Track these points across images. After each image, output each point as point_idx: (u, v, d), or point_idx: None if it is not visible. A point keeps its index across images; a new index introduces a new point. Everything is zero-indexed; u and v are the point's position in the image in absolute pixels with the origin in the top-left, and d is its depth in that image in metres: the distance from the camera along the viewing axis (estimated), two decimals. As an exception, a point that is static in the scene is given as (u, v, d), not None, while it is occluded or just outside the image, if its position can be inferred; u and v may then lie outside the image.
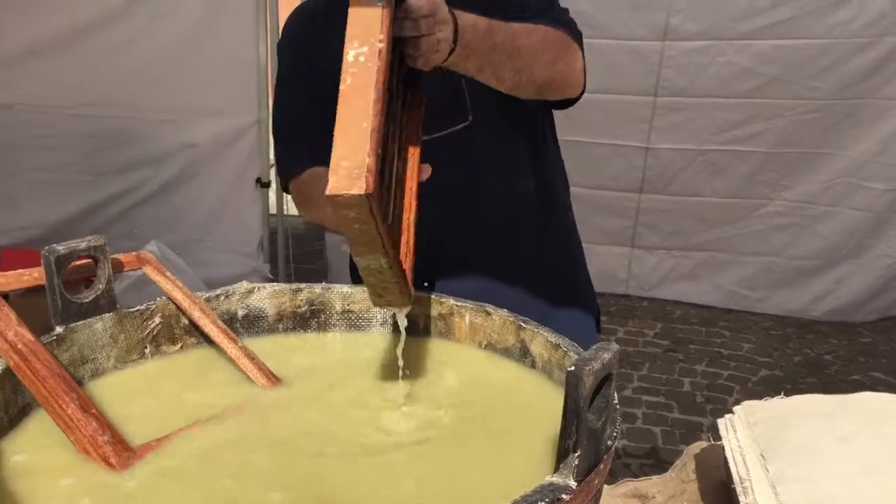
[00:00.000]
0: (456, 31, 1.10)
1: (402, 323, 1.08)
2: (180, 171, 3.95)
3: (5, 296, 1.01)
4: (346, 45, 0.89)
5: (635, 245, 4.56)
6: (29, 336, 0.95)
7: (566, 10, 1.51)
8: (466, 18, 1.14)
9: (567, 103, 1.52)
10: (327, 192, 0.80)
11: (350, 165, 0.81)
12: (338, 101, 0.85)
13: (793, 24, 3.87)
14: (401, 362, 1.06)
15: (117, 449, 0.85)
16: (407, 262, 1.06)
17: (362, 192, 0.80)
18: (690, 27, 3.90)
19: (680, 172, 4.32)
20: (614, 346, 0.79)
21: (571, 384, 0.75)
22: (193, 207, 3.93)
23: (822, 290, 4.44)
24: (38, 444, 0.89)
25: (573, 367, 0.75)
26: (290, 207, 4.06)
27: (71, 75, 3.72)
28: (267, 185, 4.12)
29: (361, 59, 0.88)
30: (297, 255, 4.22)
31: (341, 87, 0.86)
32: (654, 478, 1.28)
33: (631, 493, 1.25)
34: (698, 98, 4.08)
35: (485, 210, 1.62)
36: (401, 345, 1.06)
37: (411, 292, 1.04)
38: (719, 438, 1.11)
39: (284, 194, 4.19)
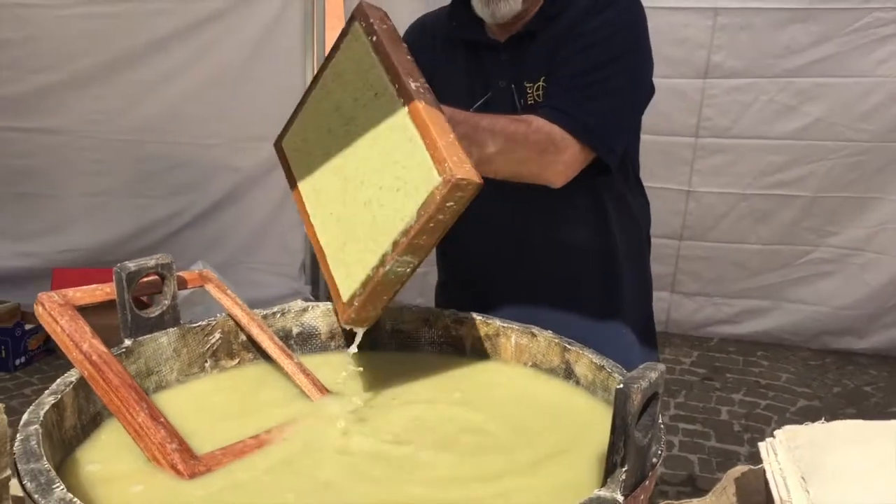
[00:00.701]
0: None
1: (358, 339, 1.15)
2: (225, 195, 4.06)
3: (81, 310, 1.07)
4: (405, 78, 1.02)
5: (675, 290, 4.46)
6: (102, 348, 1.01)
7: (591, 90, 1.49)
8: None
9: (600, 170, 1.53)
10: (452, 175, 0.94)
11: (459, 161, 0.97)
12: (422, 114, 1.01)
13: (837, 60, 3.76)
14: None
15: (184, 457, 0.90)
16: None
17: (480, 181, 0.97)
18: (733, 64, 3.82)
19: (722, 219, 4.22)
20: (661, 367, 0.83)
21: (620, 401, 0.78)
22: (237, 230, 4.03)
23: (865, 330, 4.32)
24: (110, 454, 0.95)
25: (622, 385, 0.78)
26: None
27: (121, 102, 3.87)
28: (309, 208, 4.18)
29: (421, 90, 1.02)
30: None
31: (420, 104, 1.01)
32: (695, 501, 1.30)
33: (672, 514, 1.27)
34: (741, 139, 3.99)
35: (533, 259, 1.67)
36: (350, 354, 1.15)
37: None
38: (758, 464, 1.13)
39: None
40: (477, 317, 1.24)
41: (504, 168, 1.38)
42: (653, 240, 1.85)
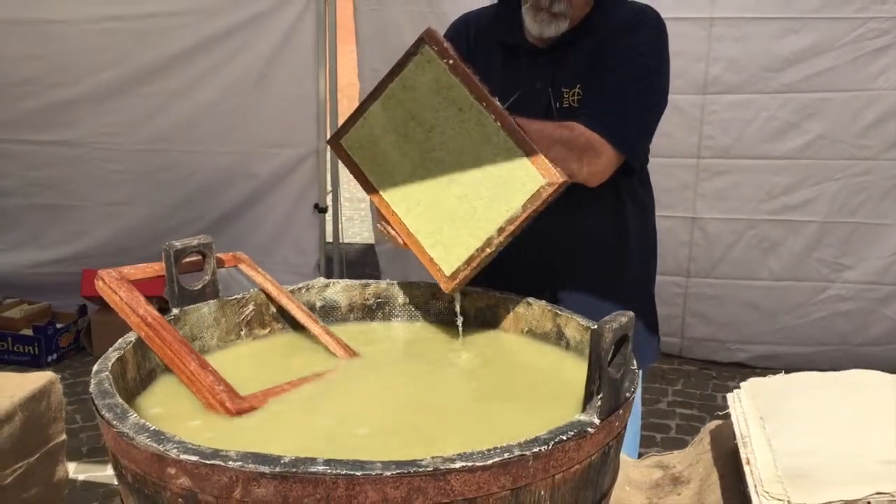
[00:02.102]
0: None
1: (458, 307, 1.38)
2: (242, 201, 4.23)
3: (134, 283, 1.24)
4: (492, 99, 1.35)
5: (685, 336, 4.17)
6: (155, 313, 1.17)
7: (629, 101, 1.65)
8: None
9: (626, 172, 1.69)
10: (558, 177, 1.27)
11: (556, 166, 1.30)
12: (516, 130, 1.32)
13: (834, 73, 3.60)
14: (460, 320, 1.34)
15: (231, 395, 1.06)
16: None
17: (569, 180, 1.31)
18: (731, 78, 3.65)
19: (730, 249, 3.96)
20: (630, 314, 0.98)
21: (595, 340, 0.94)
22: (255, 232, 4.19)
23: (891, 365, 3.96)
24: (167, 400, 1.11)
25: (596, 326, 0.94)
26: (345, 235, 4.32)
27: (140, 114, 4.04)
28: (324, 210, 4.37)
29: (506, 110, 1.36)
30: (350, 276, 4.45)
31: (512, 121, 1.33)
32: (675, 452, 1.46)
33: (655, 464, 1.42)
34: (743, 160, 3.78)
35: (555, 243, 1.79)
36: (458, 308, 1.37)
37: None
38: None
39: (339, 224, 4.43)
40: (478, 290, 1.41)
41: None
42: (658, 278, 1.94)
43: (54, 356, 3.92)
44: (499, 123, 1.33)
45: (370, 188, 1.43)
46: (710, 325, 4.06)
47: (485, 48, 1.78)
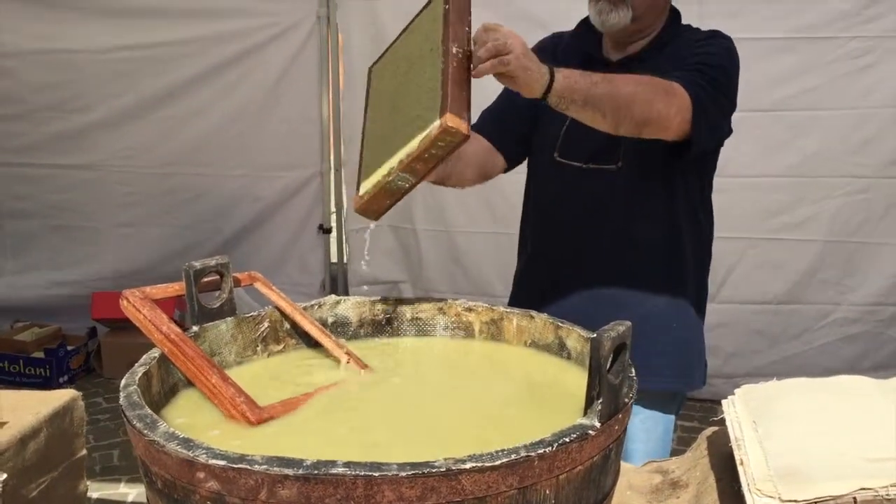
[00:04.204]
0: (552, 79, 1.50)
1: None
2: (248, 222, 4.33)
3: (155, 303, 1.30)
4: (451, 43, 1.40)
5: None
6: (178, 330, 1.24)
7: (703, 74, 1.72)
8: (564, 72, 1.53)
9: (681, 151, 1.75)
10: (445, 122, 1.28)
11: (457, 114, 1.31)
12: (448, 71, 1.35)
13: (823, 92, 3.65)
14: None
15: (251, 406, 1.13)
16: None
17: (467, 134, 1.32)
18: None
19: (732, 271, 3.94)
20: (627, 323, 1.05)
21: (595, 347, 1.00)
22: (260, 253, 4.28)
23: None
24: (189, 412, 1.17)
25: (595, 335, 1.01)
26: (348, 257, 4.41)
27: (152, 138, 4.17)
28: (328, 231, 4.46)
29: (459, 54, 1.40)
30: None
31: (452, 63, 1.37)
32: (674, 458, 1.52)
33: (654, 469, 1.48)
34: (739, 178, 3.69)
35: (607, 246, 1.89)
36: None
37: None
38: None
39: (344, 245, 4.49)
40: (483, 304, 1.47)
41: (635, 109, 1.60)
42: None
43: (65, 378, 3.99)
44: (442, 65, 1.39)
45: (364, 120, 1.60)
46: (717, 355, 3.90)
47: (565, 60, 1.80)
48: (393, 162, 1.38)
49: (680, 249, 1.92)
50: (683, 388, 1.99)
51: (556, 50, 1.96)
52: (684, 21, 1.93)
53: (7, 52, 4.05)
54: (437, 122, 1.30)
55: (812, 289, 3.90)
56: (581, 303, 1.88)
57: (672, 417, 1.99)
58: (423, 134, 1.33)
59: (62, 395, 1.61)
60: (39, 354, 4.00)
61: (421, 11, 1.58)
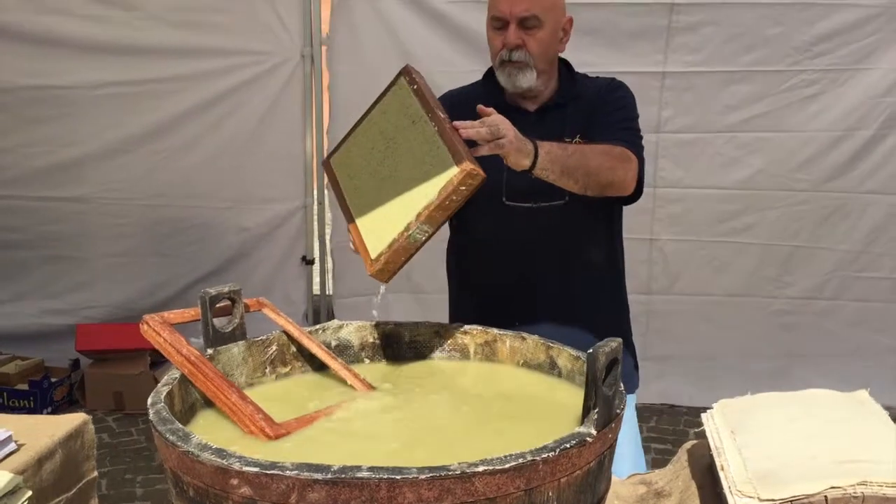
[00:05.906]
0: (536, 154, 1.70)
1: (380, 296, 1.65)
2: (234, 253, 4.39)
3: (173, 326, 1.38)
4: (437, 110, 1.57)
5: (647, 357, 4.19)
6: (196, 352, 1.32)
7: (633, 131, 2.05)
8: (545, 146, 1.73)
9: (630, 200, 2.06)
10: (467, 166, 1.42)
11: (472, 160, 1.46)
12: (447, 130, 1.52)
13: (772, 117, 4.10)
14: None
15: (269, 423, 1.21)
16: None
17: (484, 175, 1.45)
18: (682, 120, 4.11)
19: (686, 268, 4.38)
20: (618, 340, 1.15)
21: (591, 361, 1.10)
22: (245, 283, 4.26)
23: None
24: (209, 429, 1.25)
25: (591, 351, 1.11)
26: (331, 288, 4.48)
27: (141, 171, 4.25)
28: (311, 262, 4.53)
29: (447, 118, 1.58)
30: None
31: (446, 125, 1.54)
32: (657, 470, 1.62)
33: (639, 481, 1.58)
34: (695, 189, 4.27)
35: (560, 269, 2.08)
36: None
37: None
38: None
39: (327, 275, 4.56)
40: (478, 327, 1.57)
41: (602, 176, 1.86)
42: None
43: (49, 409, 4.00)
44: (436, 128, 1.52)
45: (343, 202, 1.66)
46: (670, 340, 4.39)
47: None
48: (409, 216, 1.45)
49: (618, 266, 2.21)
50: (633, 390, 2.19)
51: (466, 101, 1.94)
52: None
53: (2, 88, 4.13)
54: (456, 169, 1.43)
55: (754, 284, 4.36)
56: (537, 325, 1.98)
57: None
58: (444, 183, 1.44)
59: (73, 419, 1.67)
60: (23, 386, 4.00)
61: (378, 100, 1.71)
